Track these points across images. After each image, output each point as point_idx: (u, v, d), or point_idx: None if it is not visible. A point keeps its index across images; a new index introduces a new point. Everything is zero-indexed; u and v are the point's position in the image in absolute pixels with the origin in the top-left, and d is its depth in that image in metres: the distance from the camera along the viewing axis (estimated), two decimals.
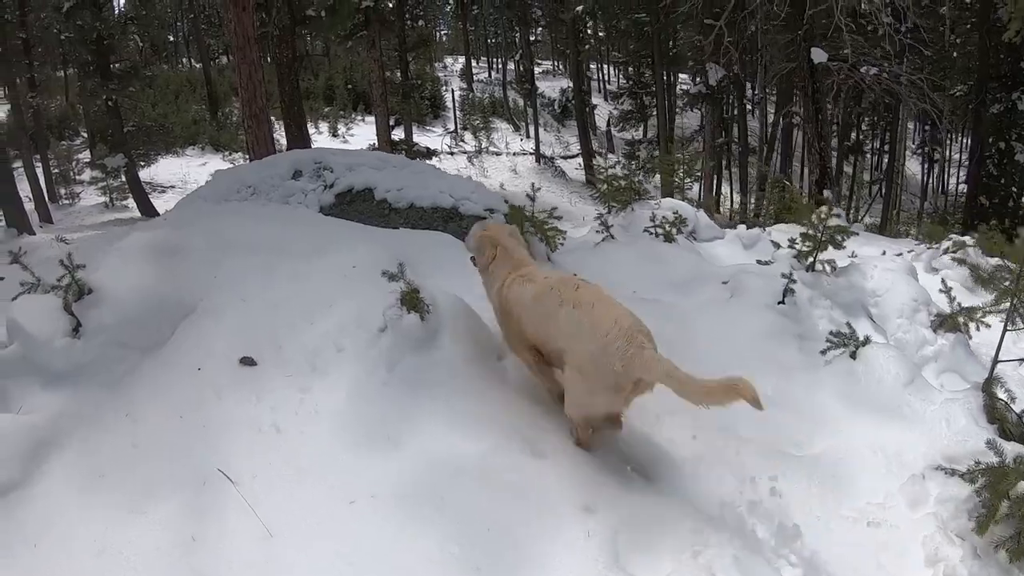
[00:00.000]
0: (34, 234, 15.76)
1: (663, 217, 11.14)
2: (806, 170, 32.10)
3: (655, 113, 32.16)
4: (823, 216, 6.59)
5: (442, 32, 63.33)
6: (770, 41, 21.52)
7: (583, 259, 7.43)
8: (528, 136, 39.00)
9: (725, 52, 24.10)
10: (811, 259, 6.73)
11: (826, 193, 15.80)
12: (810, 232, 6.71)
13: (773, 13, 20.35)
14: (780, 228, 15.10)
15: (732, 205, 29.50)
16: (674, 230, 8.38)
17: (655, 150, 29.91)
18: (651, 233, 9.80)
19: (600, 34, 47.99)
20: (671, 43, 29.56)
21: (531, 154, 35.09)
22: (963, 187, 36.31)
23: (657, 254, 7.64)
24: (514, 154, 35.20)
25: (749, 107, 35.33)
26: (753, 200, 27.92)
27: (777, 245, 8.71)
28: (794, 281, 6.05)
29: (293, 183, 7.53)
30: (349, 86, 38.69)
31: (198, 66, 42.40)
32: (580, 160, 35.80)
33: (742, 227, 10.61)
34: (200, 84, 37.68)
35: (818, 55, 15.43)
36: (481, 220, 7.46)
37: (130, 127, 22.06)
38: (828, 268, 6.83)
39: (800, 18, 15.37)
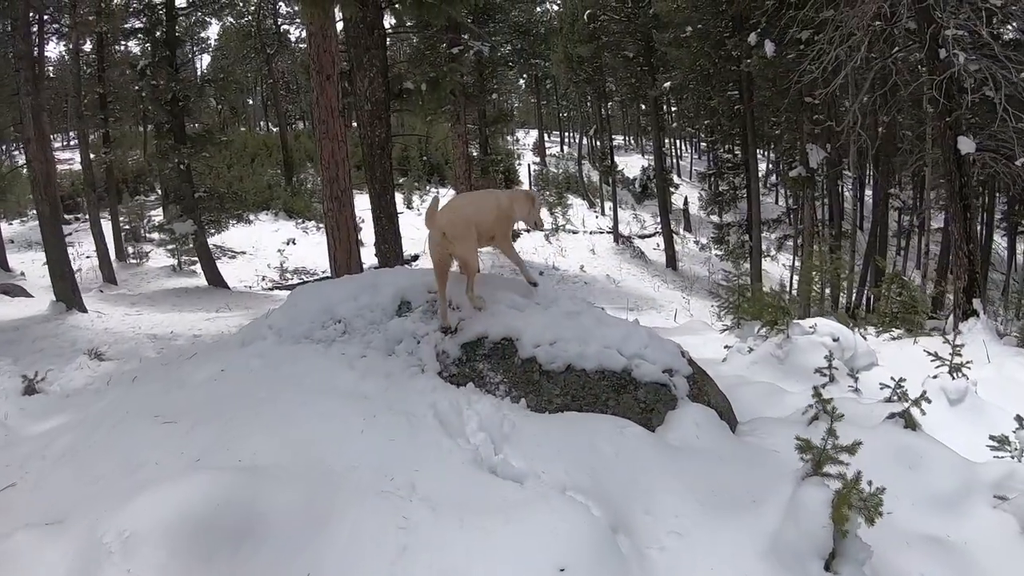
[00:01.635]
0: (85, 311, 13.73)
1: (827, 346, 8.73)
2: (894, 254, 29.38)
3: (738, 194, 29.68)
4: None
5: (513, 105, 62.01)
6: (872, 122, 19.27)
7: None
8: (603, 213, 36.87)
9: (830, 133, 21.76)
10: None
11: (976, 303, 13.17)
12: None
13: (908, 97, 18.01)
14: (923, 343, 12.47)
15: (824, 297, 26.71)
16: (918, 411, 5.82)
17: (744, 233, 27.38)
18: (823, 375, 7.56)
19: (675, 110, 46.02)
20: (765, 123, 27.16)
21: (609, 233, 32.80)
22: None
23: (905, 451, 5.14)
24: (591, 233, 32.93)
25: (843, 189, 32.68)
26: (853, 294, 25.24)
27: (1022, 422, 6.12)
28: None
29: (400, 323, 5.22)
30: (424, 157, 36.99)
31: (275, 130, 41.22)
32: (657, 240, 33.46)
33: (944, 376, 7.91)
34: (276, 148, 36.40)
35: (966, 145, 12.90)
36: (663, 388, 5.11)
37: (201, 192, 20.21)
38: None
39: (950, 104, 12.94)
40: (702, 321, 17.22)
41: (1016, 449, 5.74)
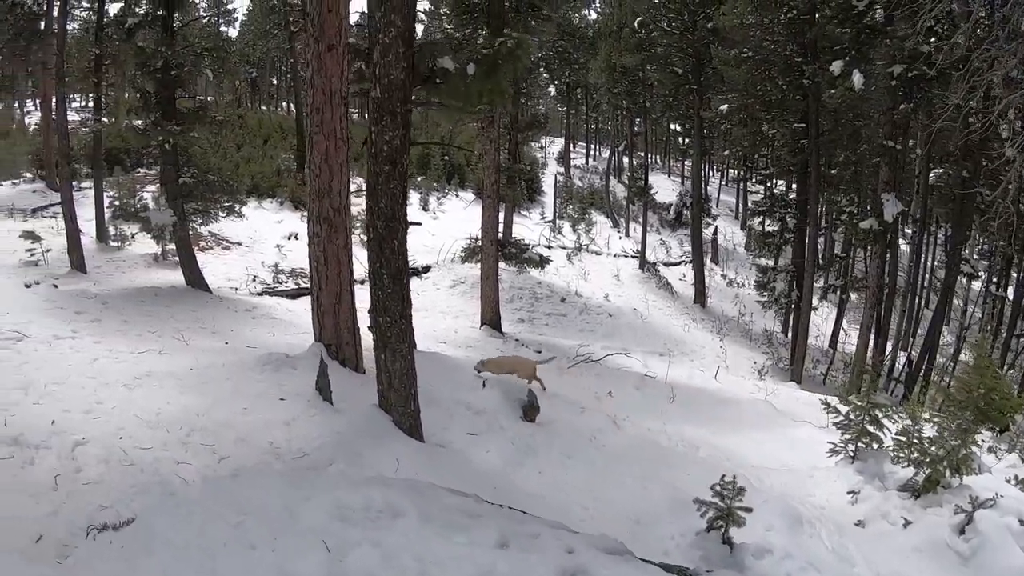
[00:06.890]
0: None
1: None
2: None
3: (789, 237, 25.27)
4: None
5: (542, 112, 57.98)
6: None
7: None
8: (628, 235, 32.90)
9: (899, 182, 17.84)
10: None
11: None
12: None
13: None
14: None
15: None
16: None
17: (791, 278, 23.19)
18: None
19: (715, 137, 41.92)
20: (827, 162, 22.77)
21: (634, 257, 28.78)
22: None
23: None
24: (615, 255, 28.90)
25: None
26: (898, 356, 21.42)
27: None
28: None
29: None
30: (445, 156, 32.79)
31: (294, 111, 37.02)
32: (683, 270, 29.56)
33: None
34: (292, 132, 32.05)
35: None
36: None
37: (187, 178, 16.20)
38: None
39: None
40: (766, 401, 13.28)
41: None
